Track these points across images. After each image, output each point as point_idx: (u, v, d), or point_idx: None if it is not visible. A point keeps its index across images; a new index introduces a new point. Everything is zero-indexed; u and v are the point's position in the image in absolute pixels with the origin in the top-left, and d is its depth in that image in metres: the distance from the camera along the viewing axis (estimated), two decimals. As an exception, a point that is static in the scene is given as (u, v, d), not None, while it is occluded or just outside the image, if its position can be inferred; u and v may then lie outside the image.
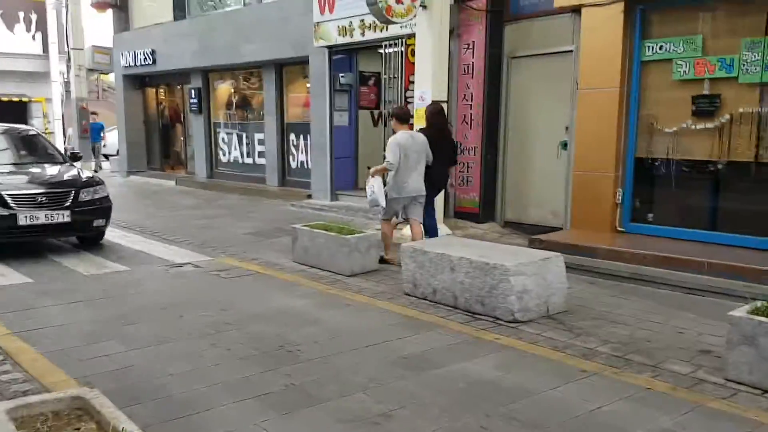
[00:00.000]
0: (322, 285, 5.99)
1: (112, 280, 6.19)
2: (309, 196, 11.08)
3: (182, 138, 15.63)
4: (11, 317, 4.91)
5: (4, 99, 26.45)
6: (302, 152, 11.85)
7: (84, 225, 7.25)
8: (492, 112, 8.19)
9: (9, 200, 6.73)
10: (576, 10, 7.18)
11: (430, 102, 7.61)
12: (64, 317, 4.97)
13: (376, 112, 10.92)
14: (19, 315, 4.99)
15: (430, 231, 6.89)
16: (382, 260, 6.62)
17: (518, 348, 4.27)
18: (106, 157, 21.50)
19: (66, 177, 7.58)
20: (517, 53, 8.02)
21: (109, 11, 16.06)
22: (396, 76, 8.54)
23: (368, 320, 4.91)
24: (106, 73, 17.47)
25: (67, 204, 7.01)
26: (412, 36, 8.28)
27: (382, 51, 10.35)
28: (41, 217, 6.81)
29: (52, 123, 28.04)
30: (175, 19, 13.90)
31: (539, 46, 7.77)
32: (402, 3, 7.28)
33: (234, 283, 6.13)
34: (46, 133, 28.11)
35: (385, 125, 11.04)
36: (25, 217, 6.73)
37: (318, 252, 6.60)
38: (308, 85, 12.10)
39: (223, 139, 13.77)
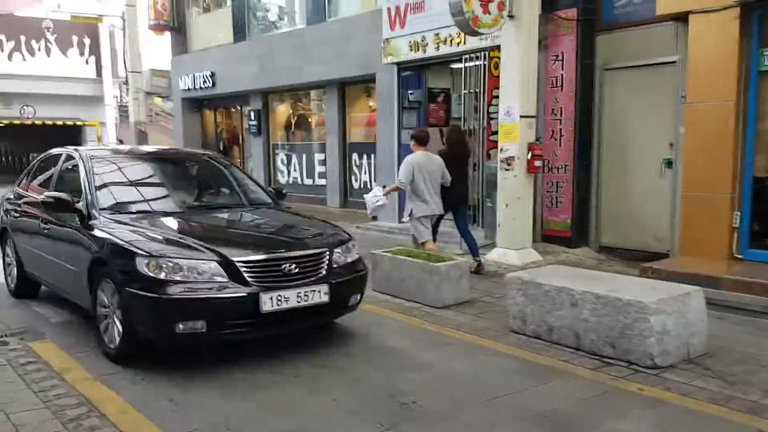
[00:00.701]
0: (414, 319, 5.46)
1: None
2: (374, 218, 10.59)
3: (240, 160, 15.41)
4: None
5: (59, 123, 27.06)
6: (365, 173, 11.42)
7: (340, 304, 4.66)
8: (584, 127, 7.59)
9: (244, 272, 4.09)
10: (680, 17, 6.56)
11: (518, 117, 7.12)
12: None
13: (445, 129, 10.40)
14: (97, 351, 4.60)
15: (472, 246, 7.11)
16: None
17: (669, 401, 3.64)
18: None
19: (308, 230, 5.11)
20: (611, 65, 7.43)
21: (167, 34, 16.06)
22: (477, 90, 8.02)
23: (480, 364, 4.34)
24: (164, 97, 17.41)
25: (323, 273, 4.44)
26: (494, 48, 7.79)
27: (454, 66, 9.91)
28: (292, 297, 4.19)
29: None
30: (235, 41, 13.75)
31: (636, 57, 7.16)
32: (489, 13, 6.79)
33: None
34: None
35: (454, 144, 10.56)
36: (271, 298, 4.09)
37: (402, 280, 6.08)
38: (371, 103, 11.74)
39: (282, 160, 13.47)
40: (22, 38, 25.65)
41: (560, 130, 7.66)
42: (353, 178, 11.74)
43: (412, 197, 6.71)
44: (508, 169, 7.31)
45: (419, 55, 9.07)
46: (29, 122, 26.20)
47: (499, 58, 7.65)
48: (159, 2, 15.30)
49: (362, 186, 11.55)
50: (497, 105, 7.74)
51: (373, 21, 10.19)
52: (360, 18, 10.63)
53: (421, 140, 6.86)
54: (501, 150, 7.38)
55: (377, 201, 6.94)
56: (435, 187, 6.69)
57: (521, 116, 7.14)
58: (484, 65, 7.92)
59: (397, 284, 6.13)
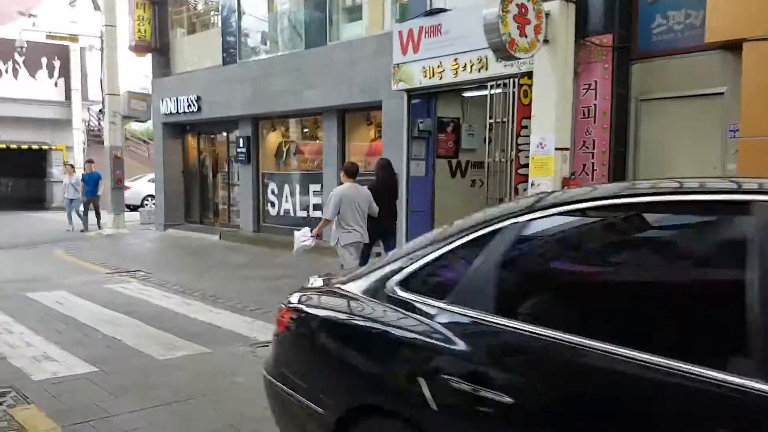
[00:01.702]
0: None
1: (192, 367, 5.04)
2: (378, 255, 9.94)
3: (225, 189, 14.65)
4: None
5: (24, 147, 25.84)
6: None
7: None
8: (618, 161, 7.12)
9: None
10: (730, 46, 6.17)
11: (552, 149, 6.62)
12: (156, 429, 3.82)
13: (454, 161, 9.90)
14: (101, 426, 3.83)
15: None
16: None
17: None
18: (133, 208, 20.55)
19: None
20: (648, 95, 7.00)
21: (149, 55, 15.32)
22: (504, 120, 7.51)
23: None
24: (143, 121, 16.60)
25: None
26: (524, 75, 7.32)
27: (467, 95, 9.46)
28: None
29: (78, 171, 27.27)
30: (224, 63, 13.09)
31: (678, 87, 6.74)
32: (525, 36, 6.33)
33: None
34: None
35: (463, 176, 10.05)
36: None
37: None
38: (371, 132, 11.18)
39: (272, 190, 12.76)
40: (-11, 59, 24.56)
41: (592, 164, 7.17)
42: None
43: (339, 226, 7.01)
44: (540, 205, 6.76)
45: (434, 81, 8.56)
46: (-9, 145, 24.97)
47: (529, 85, 7.18)
48: (141, 22, 14.58)
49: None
50: (526, 136, 7.25)
51: (380, 45, 9.69)
52: (365, 42, 10.12)
53: (350, 173, 7.22)
54: (532, 185, 6.86)
55: (304, 240, 7.17)
56: (362, 217, 7.03)
57: (556, 148, 6.64)
58: (513, 93, 7.42)
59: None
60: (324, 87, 10.67)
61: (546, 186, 6.74)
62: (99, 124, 35.00)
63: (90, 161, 16.77)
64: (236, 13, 12.79)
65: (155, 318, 6.65)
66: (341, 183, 7.33)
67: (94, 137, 31.74)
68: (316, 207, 11.85)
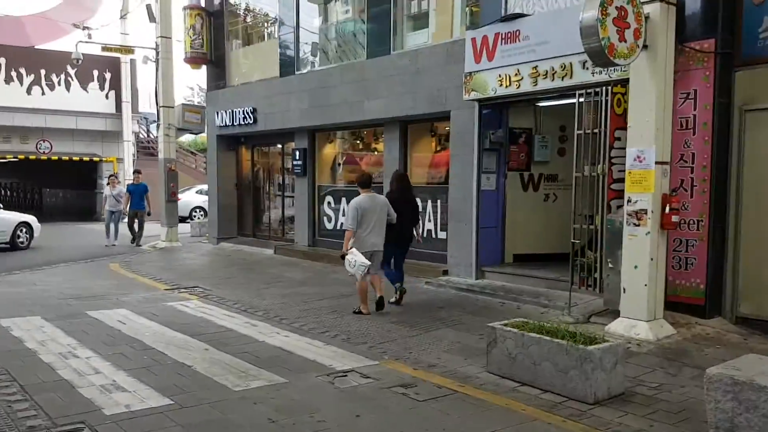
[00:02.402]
0: (569, 421, 4.31)
1: (271, 401, 4.67)
2: (445, 272, 9.50)
3: (279, 202, 14.39)
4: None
5: (75, 158, 26.28)
6: (430, 219, 10.35)
7: None
8: (720, 176, 6.53)
9: None
10: None
11: (652, 163, 6.10)
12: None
13: (526, 174, 9.41)
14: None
15: (395, 277, 8.03)
16: (356, 312, 7.53)
17: None
18: (181, 219, 20.53)
19: None
20: (754, 105, 6.40)
21: (203, 67, 15.24)
22: (596, 131, 6.98)
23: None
24: (196, 133, 16.52)
25: None
26: (617, 83, 6.80)
27: (542, 104, 9.00)
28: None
29: (123, 183, 27.60)
30: (282, 75, 12.85)
31: (790, 95, 6.15)
32: (625, 41, 5.83)
33: (437, 410, 4.52)
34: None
35: (536, 190, 9.55)
36: None
37: (534, 365, 4.96)
38: (435, 143, 10.76)
39: (329, 203, 12.43)
40: (42, 72, 25.09)
41: (691, 179, 6.60)
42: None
43: (355, 235, 7.37)
44: (637, 225, 6.24)
45: (510, 90, 8.10)
46: (45, 157, 25.43)
47: (622, 93, 6.66)
48: (197, 34, 14.50)
49: (425, 234, 10.46)
50: (620, 148, 6.72)
51: (449, 53, 9.30)
52: (432, 50, 9.72)
53: (364, 184, 7.63)
54: (628, 201, 6.32)
55: (355, 263, 7.22)
56: (379, 226, 7.45)
57: (656, 162, 6.10)
58: (606, 101, 6.89)
59: (527, 369, 5.02)
60: (386, 97, 10.30)
61: (644, 203, 6.20)
62: (148, 136, 35.69)
63: (137, 172, 16.55)
64: (294, 23, 12.56)
65: (222, 341, 6.34)
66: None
67: (143, 149, 32.26)
68: (376, 221, 11.48)
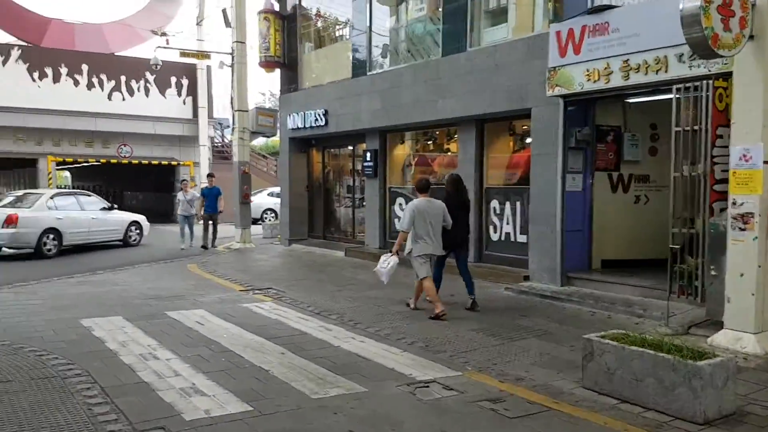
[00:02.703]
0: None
1: (351, 411, 4.47)
2: (526, 278, 9.10)
3: (349, 204, 14.32)
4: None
5: (155, 162, 27.23)
6: (507, 222, 9.98)
7: None
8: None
9: None
10: None
11: (760, 162, 5.55)
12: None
13: (615, 174, 8.90)
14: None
15: (469, 285, 7.88)
16: (434, 317, 7.31)
17: None
18: (253, 221, 20.82)
19: None
20: None
21: (276, 72, 15.37)
22: (696, 128, 6.45)
23: None
24: (269, 136, 16.72)
25: None
26: (719, 76, 6.27)
27: (631, 100, 8.49)
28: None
29: (198, 187, 28.37)
30: (353, 76, 12.77)
31: None
32: (729, 30, 5.32)
33: (530, 429, 4.20)
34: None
35: (625, 191, 9.02)
36: None
37: (636, 381, 4.56)
38: (513, 143, 10.37)
39: (400, 204, 12.21)
40: (122, 78, 26.11)
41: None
42: (491, 228, 10.29)
43: (413, 239, 7.47)
44: (743, 229, 5.70)
45: (598, 85, 7.65)
46: (125, 161, 26.46)
47: (724, 88, 6.13)
48: (271, 38, 14.62)
49: (503, 237, 10.09)
50: (722, 146, 6.18)
51: (530, 48, 8.92)
52: (511, 46, 9.36)
53: (421, 188, 7.70)
54: (733, 204, 5.79)
55: (389, 264, 7.64)
56: (436, 230, 7.47)
57: (765, 162, 5.55)
58: (707, 97, 6.36)
59: (628, 385, 4.62)
60: (462, 96, 10.00)
61: (751, 206, 5.66)
62: (223, 140, 36.65)
63: (211, 175, 16.32)
64: (366, 24, 12.45)
65: (298, 345, 6.22)
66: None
67: (217, 153, 33.12)
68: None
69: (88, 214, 15.42)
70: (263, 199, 24.49)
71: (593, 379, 4.91)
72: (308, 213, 15.51)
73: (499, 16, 10.10)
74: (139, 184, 33.73)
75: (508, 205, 9.96)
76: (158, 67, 20.11)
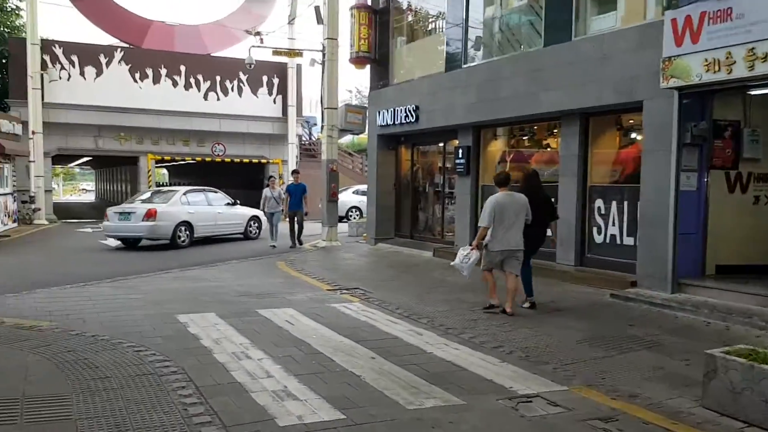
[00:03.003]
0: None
1: (451, 427, 4.18)
2: (633, 284, 8.48)
3: (438, 203, 14.01)
4: None
5: (245, 160, 28.00)
6: (613, 223, 9.35)
7: None
8: None
9: None
10: None
11: None
12: None
13: (732, 173, 8.14)
14: None
15: (527, 286, 7.79)
16: (488, 307, 7.58)
17: None
18: (341, 219, 20.92)
19: None
20: None
21: (366, 68, 15.28)
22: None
23: None
24: (357, 133, 16.67)
25: None
26: None
27: (755, 92, 7.70)
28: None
29: (286, 183, 28.88)
30: (447, 69, 12.45)
31: None
32: None
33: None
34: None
35: (744, 191, 8.23)
36: None
37: (766, 402, 4.02)
38: (619, 138, 9.73)
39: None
40: (218, 78, 26.97)
41: None
42: (594, 229, 9.69)
43: (491, 234, 7.41)
44: None
45: (719, 76, 6.97)
46: (219, 159, 27.34)
47: None
48: (363, 33, 14.54)
49: (607, 240, 9.47)
50: None
51: (642, 37, 8.31)
52: (621, 35, 8.75)
53: (501, 182, 7.61)
54: None
55: (469, 259, 7.52)
56: (517, 225, 7.36)
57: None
58: None
59: (755, 407, 4.10)
60: (566, 88, 9.47)
61: None
62: (310, 138, 37.26)
63: (296, 172, 16.25)
64: (462, 15, 12.07)
65: (389, 350, 6.00)
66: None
67: (304, 151, 33.68)
68: (548, 225, 10.65)
69: (215, 209, 16.82)
70: (349, 197, 24.62)
71: (715, 398, 4.41)
72: (395, 211, 15.33)
73: (607, 3, 9.45)
74: (230, 181, 34.84)
75: (614, 205, 9.33)
76: (252, 66, 20.58)
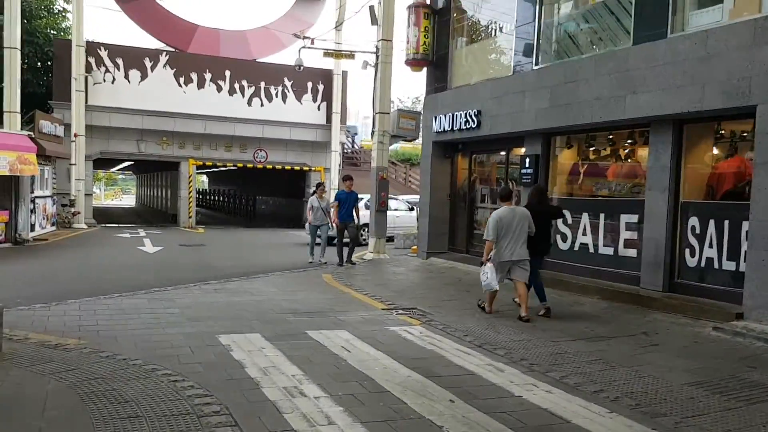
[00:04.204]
0: None
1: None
2: (738, 316, 7.36)
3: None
4: None
5: (287, 167, 27.40)
6: (710, 245, 8.22)
7: None
8: None
9: None
10: None
11: None
12: None
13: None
14: None
15: (538, 291, 8.30)
16: (482, 309, 8.35)
17: None
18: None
19: None
20: None
21: (422, 72, 14.41)
22: None
23: None
24: (410, 140, 15.76)
25: None
26: None
27: None
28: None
29: (329, 192, 28.24)
30: (515, 71, 11.48)
31: None
32: None
33: None
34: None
35: None
36: None
37: None
38: (717, 148, 8.63)
39: (564, 219, 10.73)
40: (262, 84, 26.53)
41: None
42: (687, 251, 8.57)
43: (496, 246, 7.95)
44: None
45: None
46: (260, 166, 26.83)
47: None
48: (423, 34, 13.68)
49: (702, 263, 8.35)
50: None
51: (756, 32, 7.25)
52: (728, 30, 7.68)
53: (503, 197, 8.35)
54: None
55: (487, 275, 7.95)
56: (520, 237, 7.90)
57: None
58: None
59: None
60: (658, 91, 8.41)
61: None
62: (353, 146, 36.64)
63: (349, 178, 13.65)
64: (535, 11, 11.09)
65: (468, 390, 5.08)
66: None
67: (347, 159, 33.04)
68: (629, 244, 9.55)
69: (393, 213, 18.45)
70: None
71: None
72: (449, 224, 14.36)
73: (711, -5, 8.41)
74: (271, 188, 34.42)
75: (711, 224, 8.19)
76: (301, 68, 19.95)
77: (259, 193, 36.85)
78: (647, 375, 5.68)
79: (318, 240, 14.04)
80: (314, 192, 14.22)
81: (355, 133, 39.72)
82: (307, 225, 14.24)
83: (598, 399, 5.00)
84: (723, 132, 8.47)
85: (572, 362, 6.06)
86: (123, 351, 5.88)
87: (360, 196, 14.47)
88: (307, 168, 28.02)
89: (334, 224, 13.68)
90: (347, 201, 13.40)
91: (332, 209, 13.69)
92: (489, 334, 7.14)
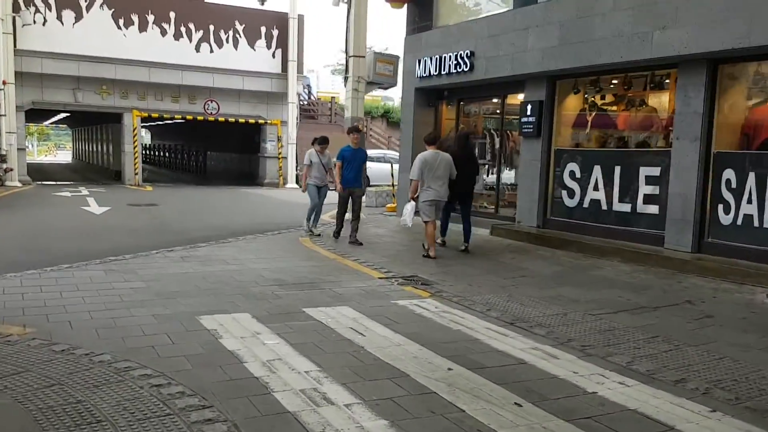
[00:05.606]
0: None
1: None
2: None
3: (494, 170, 12.03)
4: None
5: (241, 120, 25.72)
6: (749, 200, 7.48)
7: None
8: None
9: None
10: None
11: None
12: None
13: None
14: None
15: (466, 233, 9.48)
16: (426, 256, 8.84)
17: None
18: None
19: None
20: None
21: (405, 7, 13.11)
22: None
23: None
24: (386, 87, 14.53)
25: None
26: None
27: None
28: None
29: (286, 147, 26.88)
30: (516, 5, 10.34)
31: None
32: None
33: None
34: (278, 158, 27.04)
35: None
36: None
37: None
38: (758, 92, 7.82)
39: (571, 173, 9.86)
40: (211, 28, 24.65)
41: None
42: (720, 207, 7.82)
43: (421, 186, 8.69)
44: None
45: None
46: (212, 118, 25.09)
47: None
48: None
49: (738, 221, 7.62)
50: None
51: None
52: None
53: (429, 141, 8.91)
54: None
55: (408, 210, 8.91)
56: (442, 179, 8.67)
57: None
58: None
59: None
60: (693, 25, 7.49)
61: None
62: (309, 97, 34.92)
63: (356, 130, 10.48)
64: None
65: (532, 388, 4.15)
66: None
67: (303, 111, 31.42)
68: (650, 199, 8.74)
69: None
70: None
71: None
72: (434, 180, 13.34)
73: None
74: (222, 144, 32.56)
75: (752, 177, 7.44)
76: (264, 2, 18.11)
77: (210, 148, 34.92)
78: (723, 356, 4.88)
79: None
80: (314, 142, 10.91)
81: (309, 84, 38.07)
82: (310, 186, 10.88)
83: (686, 392, 4.15)
84: (764, 73, 7.64)
85: (628, 342, 5.21)
86: (82, 342, 4.71)
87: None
88: (262, 121, 26.43)
89: (337, 189, 10.42)
90: (354, 161, 10.19)
91: (336, 170, 10.40)
92: (515, 308, 6.25)
